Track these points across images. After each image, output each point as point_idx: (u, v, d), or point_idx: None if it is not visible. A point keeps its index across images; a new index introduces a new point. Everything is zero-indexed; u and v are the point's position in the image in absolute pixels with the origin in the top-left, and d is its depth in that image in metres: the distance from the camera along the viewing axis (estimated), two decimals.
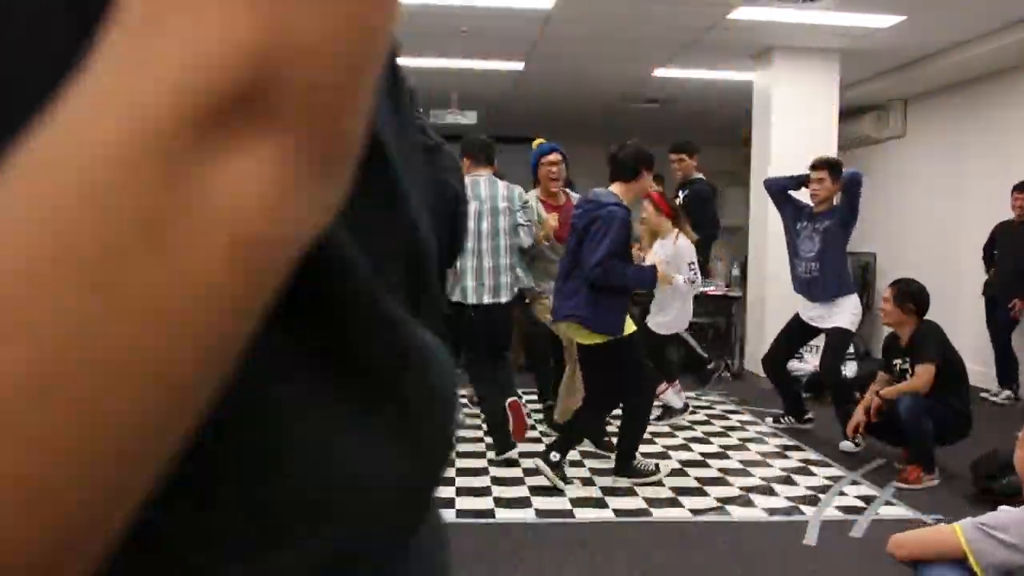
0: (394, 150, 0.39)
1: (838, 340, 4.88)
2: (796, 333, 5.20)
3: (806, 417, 5.15)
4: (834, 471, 4.39)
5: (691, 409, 5.75)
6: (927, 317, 4.34)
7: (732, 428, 5.33)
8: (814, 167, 4.93)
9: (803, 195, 5.11)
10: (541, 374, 5.29)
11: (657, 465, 4.17)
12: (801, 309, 5.08)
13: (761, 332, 6.40)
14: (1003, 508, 3.48)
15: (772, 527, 3.56)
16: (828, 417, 5.10)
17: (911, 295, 4.29)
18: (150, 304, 0.22)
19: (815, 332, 5.08)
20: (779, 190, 5.12)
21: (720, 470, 4.39)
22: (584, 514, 3.65)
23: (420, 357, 0.39)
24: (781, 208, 5.13)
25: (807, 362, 6.66)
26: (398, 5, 0.29)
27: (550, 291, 4.39)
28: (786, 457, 4.66)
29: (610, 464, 4.43)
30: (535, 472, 4.22)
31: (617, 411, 4.22)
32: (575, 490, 3.94)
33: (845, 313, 4.82)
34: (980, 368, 6.55)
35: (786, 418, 5.20)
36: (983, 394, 6.44)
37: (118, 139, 0.22)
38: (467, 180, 4.33)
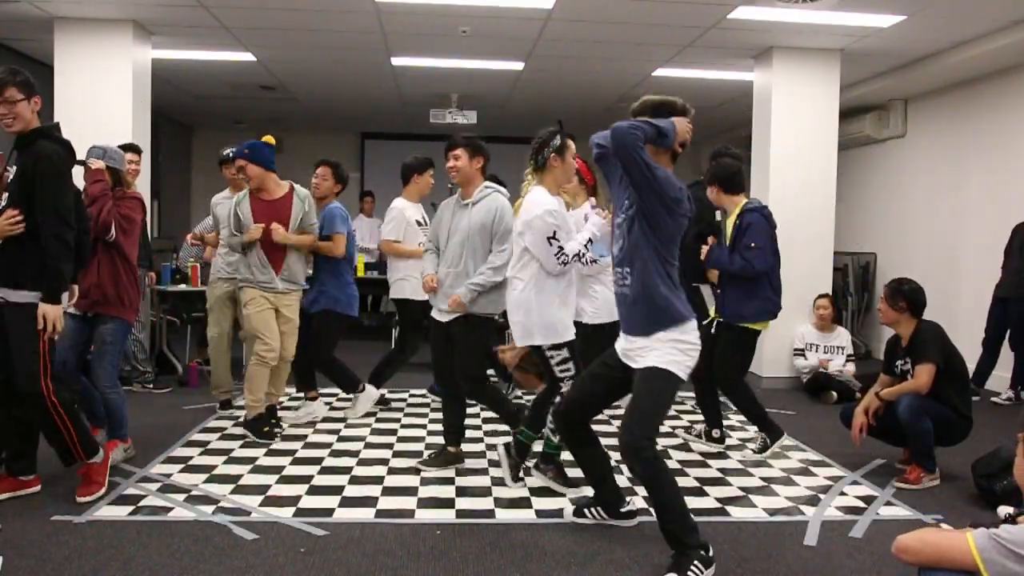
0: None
1: (654, 388, 3.04)
2: (608, 378, 3.25)
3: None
4: (834, 471, 4.39)
5: (691, 408, 5.75)
6: (928, 317, 4.34)
7: (732, 428, 5.32)
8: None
9: None
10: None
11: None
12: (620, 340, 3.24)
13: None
14: (1003, 509, 3.49)
15: (772, 527, 3.55)
16: (830, 417, 5.10)
17: (902, 294, 4.28)
18: None
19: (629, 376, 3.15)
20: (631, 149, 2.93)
21: (720, 470, 4.38)
22: None
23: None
24: (613, 181, 3.24)
25: (809, 359, 6.67)
26: None
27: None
28: (786, 457, 4.66)
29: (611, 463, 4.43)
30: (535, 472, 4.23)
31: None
32: (575, 490, 3.93)
33: (664, 347, 3.03)
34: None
35: (594, 510, 3.50)
36: (993, 399, 6.45)
37: None
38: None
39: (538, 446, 4.04)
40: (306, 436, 4.92)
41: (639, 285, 3.03)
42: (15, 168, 3.49)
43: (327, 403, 5.54)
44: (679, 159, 3.21)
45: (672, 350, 3.01)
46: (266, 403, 4.85)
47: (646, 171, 2.88)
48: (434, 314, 4.28)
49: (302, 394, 5.51)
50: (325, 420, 5.32)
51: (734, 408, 5.36)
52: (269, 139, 4.83)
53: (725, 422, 5.36)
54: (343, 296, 5.22)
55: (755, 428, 4.84)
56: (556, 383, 3.85)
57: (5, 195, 3.47)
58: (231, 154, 5.07)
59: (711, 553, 3.00)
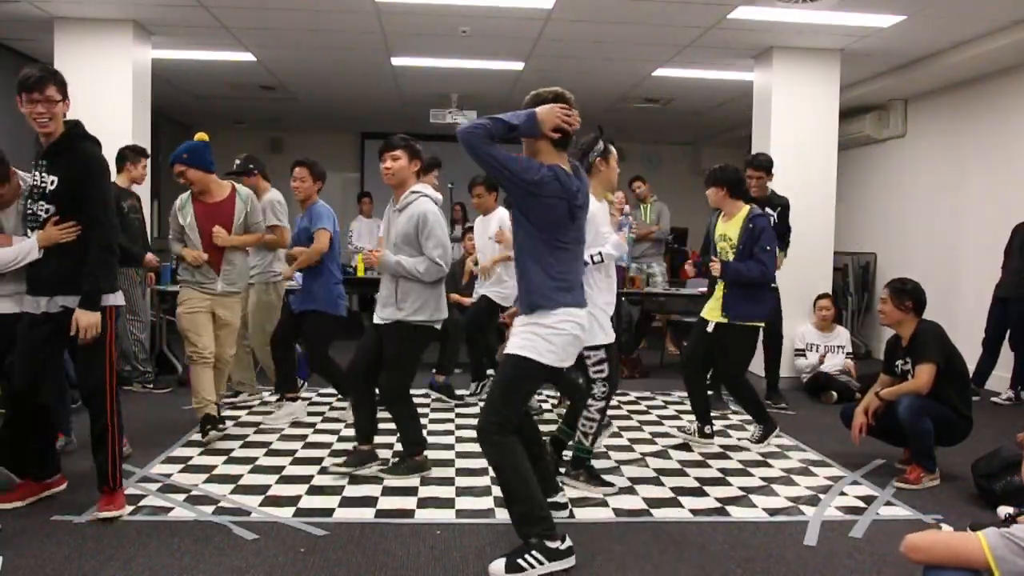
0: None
1: (506, 375, 3.09)
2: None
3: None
4: (834, 471, 4.39)
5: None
6: (928, 317, 4.34)
7: (732, 427, 5.33)
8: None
9: None
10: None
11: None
12: None
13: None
14: (1003, 509, 3.49)
15: (772, 527, 3.55)
16: (830, 417, 5.10)
17: (908, 293, 4.29)
18: None
19: None
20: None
21: (720, 470, 4.38)
22: (584, 514, 3.65)
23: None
24: None
25: (810, 358, 6.67)
26: None
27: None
28: (786, 457, 4.66)
29: (610, 463, 4.43)
30: None
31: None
32: (575, 490, 3.94)
33: (523, 332, 3.08)
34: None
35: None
36: (993, 399, 6.45)
37: None
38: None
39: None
40: (306, 436, 4.92)
41: (518, 267, 3.13)
42: (53, 177, 3.32)
43: (306, 400, 5.50)
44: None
45: (530, 335, 3.04)
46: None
47: (497, 165, 2.94)
48: (374, 318, 4.15)
49: (279, 395, 5.43)
50: (325, 420, 5.32)
51: (732, 408, 5.37)
52: (202, 136, 4.77)
53: (725, 422, 5.36)
54: (328, 295, 5.13)
55: (760, 431, 4.87)
56: (590, 383, 3.96)
57: (41, 204, 3.35)
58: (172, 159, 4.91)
59: (565, 546, 2.98)
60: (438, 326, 4.14)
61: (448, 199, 10.50)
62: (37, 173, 3.39)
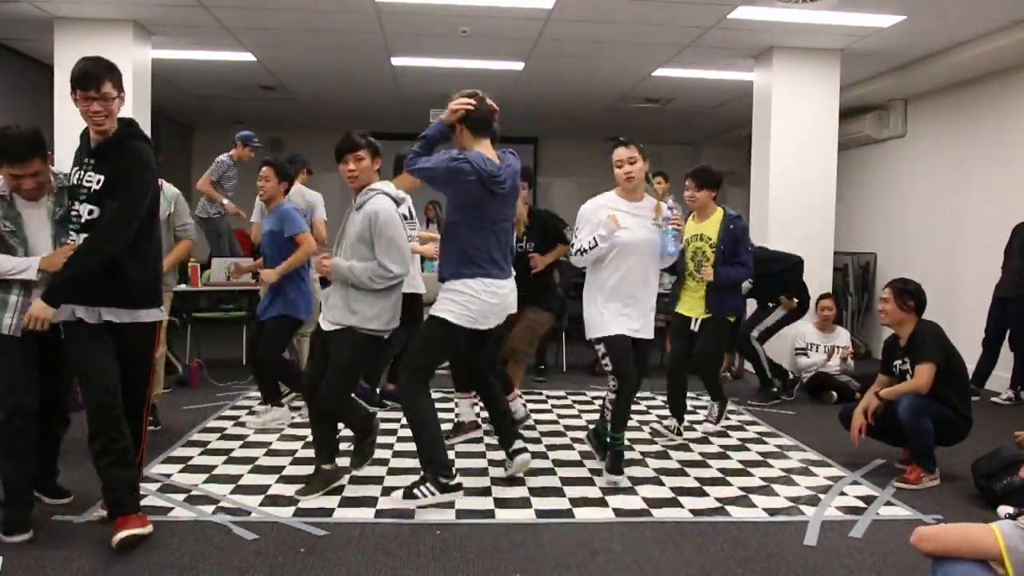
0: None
1: (424, 332, 3.77)
2: None
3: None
4: (834, 471, 4.39)
5: (690, 409, 5.73)
6: (928, 317, 4.34)
7: (732, 428, 5.33)
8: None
9: None
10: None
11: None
12: None
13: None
14: (1003, 509, 3.49)
15: (772, 527, 3.55)
16: (830, 417, 5.10)
17: (910, 293, 4.29)
18: None
19: None
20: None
21: (720, 470, 4.38)
22: (584, 514, 3.65)
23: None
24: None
25: (812, 357, 6.66)
26: None
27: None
28: (786, 457, 4.66)
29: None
30: (535, 472, 4.22)
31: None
32: (575, 490, 3.94)
33: (443, 297, 3.69)
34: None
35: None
36: (993, 399, 6.45)
37: None
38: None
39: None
40: (306, 436, 4.92)
41: (442, 242, 3.80)
42: (99, 176, 3.11)
43: (295, 407, 5.42)
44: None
45: (447, 300, 3.66)
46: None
47: (427, 173, 3.63)
48: (321, 323, 3.86)
49: (268, 403, 5.24)
50: None
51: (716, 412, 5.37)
52: None
53: (725, 422, 5.37)
54: (300, 299, 4.97)
55: (718, 408, 5.27)
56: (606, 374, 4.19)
57: (85, 206, 3.13)
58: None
59: (454, 482, 3.67)
60: (387, 336, 3.87)
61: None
62: (82, 172, 3.16)
